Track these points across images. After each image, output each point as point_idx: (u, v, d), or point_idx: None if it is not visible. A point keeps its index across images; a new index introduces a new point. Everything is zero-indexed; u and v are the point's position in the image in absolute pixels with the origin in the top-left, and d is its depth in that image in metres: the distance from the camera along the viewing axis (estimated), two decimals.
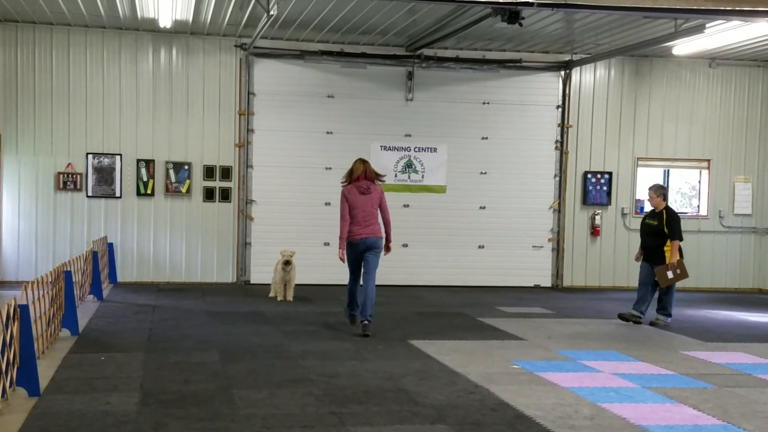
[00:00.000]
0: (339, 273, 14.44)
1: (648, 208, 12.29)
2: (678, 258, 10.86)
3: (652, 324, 10.99)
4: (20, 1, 12.24)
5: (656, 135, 15.73)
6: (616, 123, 15.57)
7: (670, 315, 11.11)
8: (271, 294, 12.72)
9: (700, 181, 16.18)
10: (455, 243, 15.06)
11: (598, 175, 15.47)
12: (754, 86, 15.93)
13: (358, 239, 9.57)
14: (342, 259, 9.70)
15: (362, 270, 9.68)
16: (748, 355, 9.06)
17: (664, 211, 11.02)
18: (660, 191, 11.20)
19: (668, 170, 16.21)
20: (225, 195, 14.37)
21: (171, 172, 14.20)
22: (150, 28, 13.75)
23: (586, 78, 15.45)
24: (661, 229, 10.94)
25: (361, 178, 9.69)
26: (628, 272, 15.60)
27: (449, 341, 9.33)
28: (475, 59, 14.94)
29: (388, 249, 9.92)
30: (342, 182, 9.90)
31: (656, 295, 11.21)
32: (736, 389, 7.33)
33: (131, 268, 14.15)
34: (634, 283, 15.52)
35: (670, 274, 10.79)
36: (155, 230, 14.21)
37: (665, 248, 10.88)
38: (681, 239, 10.95)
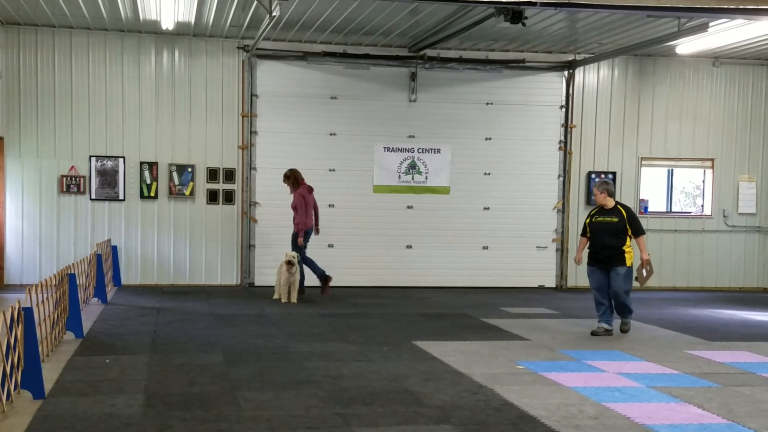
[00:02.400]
0: (343, 275, 14.54)
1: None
2: (647, 254, 10.10)
3: (624, 331, 10.22)
4: (22, 4, 12.26)
5: (660, 134, 15.70)
6: (620, 123, 15.55)
7: (631, 311, 10.32)
8: (276, 296, 12.71)
9: (704, 181, 16.16)
10: (459, 244, 15.05)
11: (602, 175, 15.43)
12: (758, 85, 15.90)
13: (311, 227, 13.07)
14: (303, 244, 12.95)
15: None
16: (753, 354, 9.04)
17: (620, 208, 10.13)
18: (603, 187, 10.18)
19: (672, 170, 16.20)
20: (228, 197, 14.38)
21: (174, 174, 14.21)
22: (152, 30, 13.77)
23: (590, 78, 15.43)
24: (623, 226, 9.97)
25: (303, 182, 13.05)
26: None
27: (454, 342, 9.32)
28: (478, 60, 14.93)
29: (317, 232, 13.32)
30: (293, 188, 13.01)
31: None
32: (740, 388, 7.31)
33: (135, 270, 14.16)
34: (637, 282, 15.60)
35: (644, 272, 10.01)
36: (159, 233, 14.22)
37: (626, 248, 10.00)
38: (644, 233, 10.24)
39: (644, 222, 15.61)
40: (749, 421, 6.20)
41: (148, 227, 14.18)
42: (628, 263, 10.00)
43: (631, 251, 10.07)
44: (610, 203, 10.14)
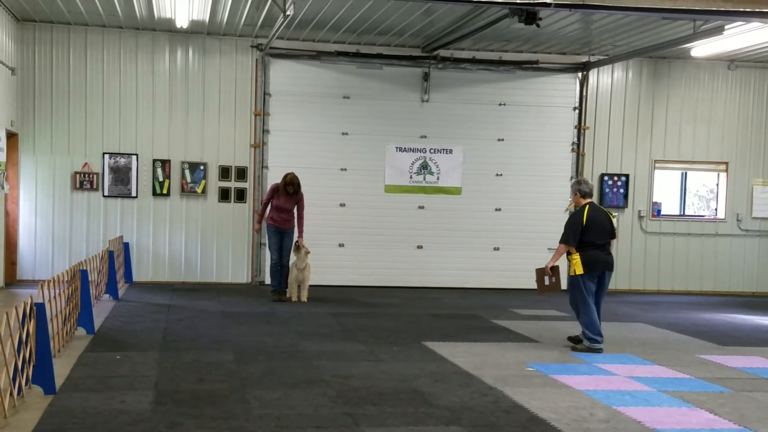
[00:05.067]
0: (354, 274, 14.56)
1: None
2: (555, 264, 9.12)
3: (572, 346, 9.28)
4: (38, 1, 12.32)
5: (674, 137, 15.63)
6: (634, 125, 15.49)
7: (584, 332, 9.11)
8: (287, 294, 12.71)
9: (717, 184, 16.07)
10: (470, 245, 15.02)
11: (615, 178, 15.38)
12: None
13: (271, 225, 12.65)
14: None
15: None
16: (766, 360, 8.98)
17: (575, 210, 9.23)
18: (575, 187, 9.31)
19: (686, 173, 16.12)
20: (240, 195, 14.40)
21: (187, 172, 14.25)
22: (167, 28, 13.81)
23: (604, 79, 15.37)
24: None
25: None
26: (644, 275, 15.53)
27: (464, 343, 9.30)
28: (491, 60, 14.90)
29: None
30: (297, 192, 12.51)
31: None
32: (753, 393, 7.26)
33: (147, 267, 14.21)
34: (651, 286, 15.58)
35: (546, 280, 9.04)
36: (171, 230, 14.26)
37: (572, 255, 9.03)
38: (569, 243, 8.95)
39: (657, 225, 15.62)
40: (761, 427, 6.16)
41: (160, 224, 14.22)
42: (572, 271, 9.05)
43: (577, 259, 8.98)
44: (580, 204, 9.28)
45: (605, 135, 15.40)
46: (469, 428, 5.85)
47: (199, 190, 14.28)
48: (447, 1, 10.43)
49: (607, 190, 15.35)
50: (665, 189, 16.05)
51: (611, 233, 9.17)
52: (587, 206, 9.13)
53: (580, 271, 9.01)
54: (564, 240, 9.04)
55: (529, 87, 15.09)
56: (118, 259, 12.73)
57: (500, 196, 15.10)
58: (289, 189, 12.42)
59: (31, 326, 6.31)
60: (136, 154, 14.08)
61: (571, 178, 15.25)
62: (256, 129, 14.40)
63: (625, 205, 15.45)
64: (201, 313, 11.03)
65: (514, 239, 15.14)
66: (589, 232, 8.99)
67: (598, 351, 9.03)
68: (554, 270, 9.16)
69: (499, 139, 15.07)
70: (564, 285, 9.63)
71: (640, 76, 15.47)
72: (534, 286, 9.80)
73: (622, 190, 15.42)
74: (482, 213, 15.06)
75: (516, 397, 6.77)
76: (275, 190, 12.55)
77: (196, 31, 13.93)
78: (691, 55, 14.66)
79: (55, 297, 7.79)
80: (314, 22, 13.05)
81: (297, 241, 12.42)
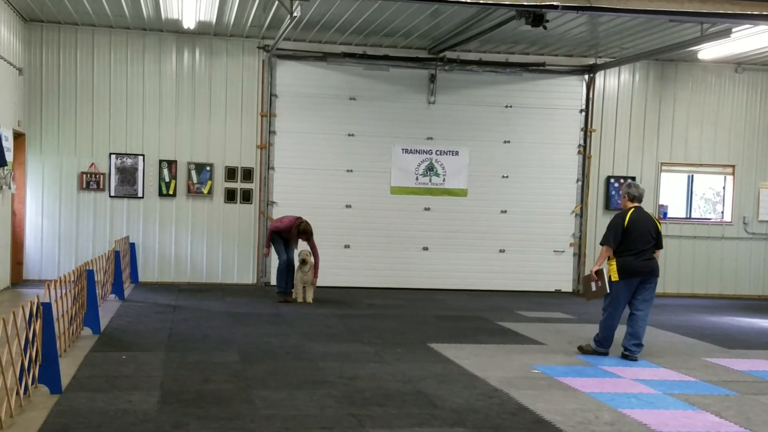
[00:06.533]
0: (359, 275, 14.57)
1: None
2: (600, 267, 8.85)
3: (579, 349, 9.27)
4: (46, 1, 12.36)
5: (680, 140, 15.60)
6: (640, 127, 15.47)
7: (597, 337, 9.07)
8: (293, 296, 12.71)
9: (724, 187, 16.03)
10: (476, 247, 15.02)
11: (621, 180, 15.35)
12: None
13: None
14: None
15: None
16: None
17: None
18: (624, 189, 9.07)
19: (692, 175, 16.09)
20: (246, 196, 14.42)
21: (193, 173, 14.27)
22: (174, 29, 13.84)
23: (611, 82, 15.36)
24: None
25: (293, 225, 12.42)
26: None
27: (469, 345, 9.30)
28: (498, 62, 14.89)
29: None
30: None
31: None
32: (758, 397, 7.24)
33: (153, 268, 14.23)
34: (657, 288, 15.45)
35: (593, 286, 8.91)
36: (177, 231, 14.28)
37: (610, 261, 8.81)
38: (609, 244, 8.72)
39: (663, 228, 15.52)
40: (767, 430, 6.14)
41: (166, 225, 14.25)
42: (609, 277, 8.80)
43: (614, 265, 8.76)
44: (626, 207, 9.02)
45: (612, 137, 15.39)
46: (474, 430, 5.85)
47: (205, 191, 14.30)
48: (454, 3, 10.42)
49: (613, 192, 15.33)
50: (672, 192, 16.03)
51: (656, 241, 8.88)
52: (632, 209, 8.86)
53: (615, 277, 8.75)
54: (605, 241, 8.81)
55: (535, 89, 15.08)
56: (124, 259, 12.76)
57: (506, 198, 15.09)
58: (302, 237, 12.40)
59: (38, 326, 6.32)
60: (143, 155, 14.11)
61: (577, 180, 15.25)
62: (263, 130, 14.42)
63: None
64: (206, 313, 11.05)
65: (519, 241, 15.13)
66: (630, 237, 8.70)
67: (603, 355, 9.03)
68: (599, 274, 8.83)
69: (505, 141, 15.07)
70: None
71: (647, 79, 15.45)
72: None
73: None
74: (488, 215, 15.05)
75: (521, 399, 6.77)
76: (275, 231, 12.44)
77: (203, 32, 13.95)
78: (698, 58, 14.64)
79: (61, 297, 7.81)
80: (321, 24, 13.07)
81: (301, 252, 12.38)
